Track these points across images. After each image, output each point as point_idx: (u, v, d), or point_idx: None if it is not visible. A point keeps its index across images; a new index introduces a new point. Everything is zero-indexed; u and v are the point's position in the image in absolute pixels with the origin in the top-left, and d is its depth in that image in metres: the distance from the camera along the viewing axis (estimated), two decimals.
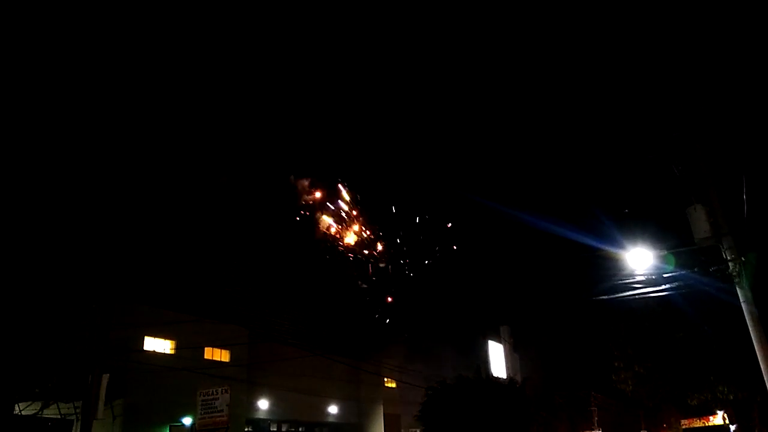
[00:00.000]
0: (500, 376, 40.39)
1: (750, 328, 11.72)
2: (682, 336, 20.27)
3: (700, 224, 12.17)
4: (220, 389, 22.81)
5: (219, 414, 22.47)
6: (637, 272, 13.48)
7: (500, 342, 50.68)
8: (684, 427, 35.30)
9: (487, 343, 49.64)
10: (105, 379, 19.30)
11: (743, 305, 11.81)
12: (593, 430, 45.09)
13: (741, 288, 11.83)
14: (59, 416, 22.64)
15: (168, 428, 27.64)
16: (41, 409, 22.08)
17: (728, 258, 11.91)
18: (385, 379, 44.88)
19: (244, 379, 30.99)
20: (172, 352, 29.02)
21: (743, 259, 11.82)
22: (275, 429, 38.24)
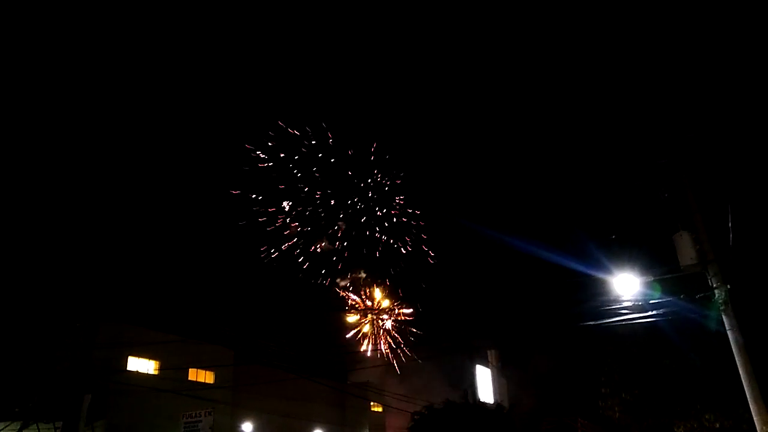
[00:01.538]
0: (487, 401, 40.12)
1: (735, 356, 11.75)
2: (668, 363, 20.28)
3: (686, 251, 12.27)
4: (203, 411, 22.46)
5: None
6: (623, 298, 13.52)
7: (488, 366, 50.45)
8: None
9: (475, 367, 49.39)
10: (87, 399, 18.97)
11: (729, 332, 11.85)
12: None
13: (726, 315, 11.89)
14: None
15: None
16: (21, 429, 21.60)
17: (714, 285, 11.98)
18: (372, 403, 44.42)
19: (228, 401, 30.54)
20: (156, 372, 28.58)
21: (729, 286, 11.89)
22: None
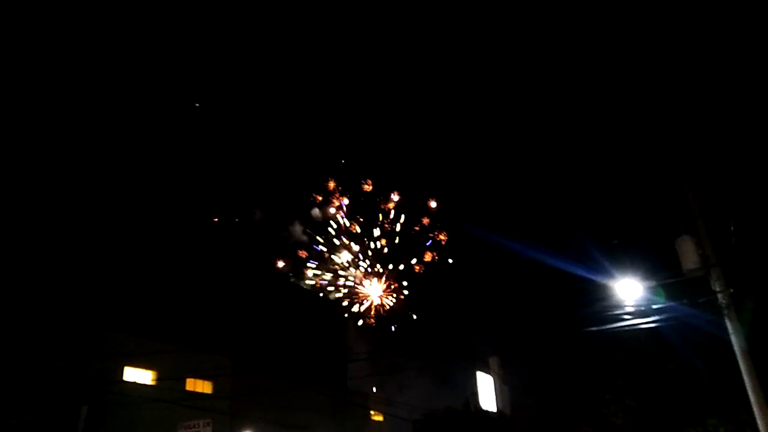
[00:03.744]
0: (490, 409, 39.90)
1: (739, 360, 11.64)
2: (671, 368, 20.16)
3: (689, 255, 12.16)
4: (201, 422, 22.19)
5: None
6: (626, 303, 13.41)
7: (489, 373, 50.15)
8: None
9: (476, 374, 49.09)
10: (84, 410, 18.80)
11: (732, 337, 11.74)
12: None
13: (730, 320, 11.77)
14: None
15: None
16: None
17: (717, 289, 11.86)
18: (372, 412, 44.13)
19: (226, 411, 30.28)
20: (153, 383, 28.35)
21: (731, 290, 11.77)
22: None
